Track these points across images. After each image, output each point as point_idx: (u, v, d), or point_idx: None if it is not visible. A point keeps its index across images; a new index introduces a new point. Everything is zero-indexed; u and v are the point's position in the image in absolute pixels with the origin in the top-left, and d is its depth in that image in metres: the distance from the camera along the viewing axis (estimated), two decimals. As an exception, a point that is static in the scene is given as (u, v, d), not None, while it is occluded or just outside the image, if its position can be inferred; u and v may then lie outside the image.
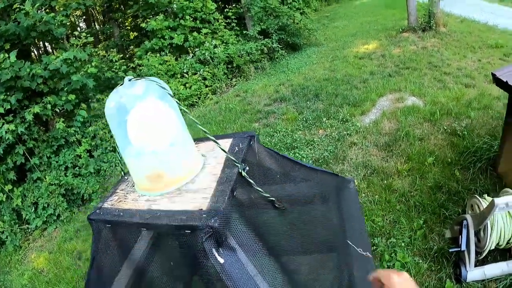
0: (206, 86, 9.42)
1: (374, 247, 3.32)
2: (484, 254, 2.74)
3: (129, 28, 12.11)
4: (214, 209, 0.89)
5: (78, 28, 12.93)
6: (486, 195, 2.97)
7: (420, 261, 3.10)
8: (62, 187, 6.18)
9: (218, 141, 1.15)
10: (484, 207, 2.69)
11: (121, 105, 0.96)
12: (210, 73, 9.49)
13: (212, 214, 0.87)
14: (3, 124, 5.60)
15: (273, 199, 1.12)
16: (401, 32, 9.85)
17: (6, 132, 5.51)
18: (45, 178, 6.10)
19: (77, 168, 6.65)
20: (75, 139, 6.81)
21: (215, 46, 9.82)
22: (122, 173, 1.12)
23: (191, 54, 9.64)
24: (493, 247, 2.71)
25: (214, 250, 0.86)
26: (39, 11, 6.33)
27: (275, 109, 7.41)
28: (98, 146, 7.25)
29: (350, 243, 1.29)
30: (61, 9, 7.68)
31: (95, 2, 8.69)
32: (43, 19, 5.97)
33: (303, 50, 11.46)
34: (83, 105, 6.84)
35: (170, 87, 8.47)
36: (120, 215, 0.93)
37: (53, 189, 6.09)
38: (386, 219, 3.65)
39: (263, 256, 0.95)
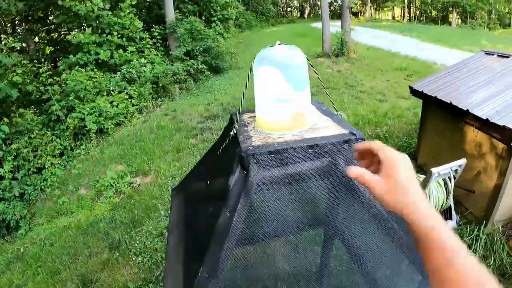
0: (133, 105, 9.27)
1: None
2: (426, 219, 3.48)
3: (46, 42, 11.15)
4: (355, 131, 1.27)
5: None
6: (418, 174, 3.76)
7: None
8: (-16, 213, 5.45)
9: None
10: (421, 181, 3.44)
11: (273, 61, 1.26)
12: (137, 92, 9.40)
13: (357, 133, 1.25)
14: None
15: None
16: (316, 58, 11.02)
17: None
18: (-37, 202, 5.32)
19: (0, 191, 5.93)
20: (-6, 158, 6.09)
21: (143, 65, 9.79)
22: (234, 131, 1.37)
23: (118, 72, 9.41)
24: (432, 212, 3.47)
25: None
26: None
27: (211, 125, 7.69)
28: (21, 167, 6.57)
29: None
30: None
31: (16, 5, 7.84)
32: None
33: (226, 72, 12.03)
34: (5, 120, 6.17)
35: (99, 104, 8.20)
36: (283, 144, 1.20)
37: (-26, 215, 5.35)
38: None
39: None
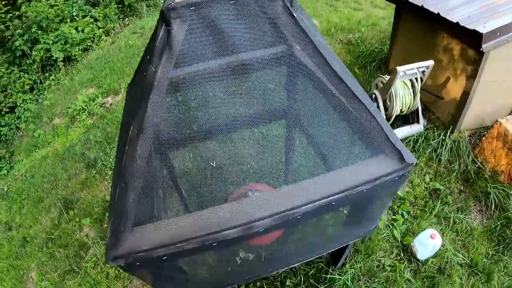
0: (99, 28, 8.79)
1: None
2: (392, 119, 3.52)
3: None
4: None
5: None
6: (386, 75, 3.73)
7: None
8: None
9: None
10: (387, 80, 3.44)
11: None
12: (102, 13, 8.85)
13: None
14: None
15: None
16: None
17: None
18: None
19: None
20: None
21: (105, -16, 9.04)
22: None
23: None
24: (398, 112, 3.43)
25: (290, 6, 1.22)
26: None
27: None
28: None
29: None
30: None
31: None
32: None
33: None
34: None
35: (63, 31, 7.70)
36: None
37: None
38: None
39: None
